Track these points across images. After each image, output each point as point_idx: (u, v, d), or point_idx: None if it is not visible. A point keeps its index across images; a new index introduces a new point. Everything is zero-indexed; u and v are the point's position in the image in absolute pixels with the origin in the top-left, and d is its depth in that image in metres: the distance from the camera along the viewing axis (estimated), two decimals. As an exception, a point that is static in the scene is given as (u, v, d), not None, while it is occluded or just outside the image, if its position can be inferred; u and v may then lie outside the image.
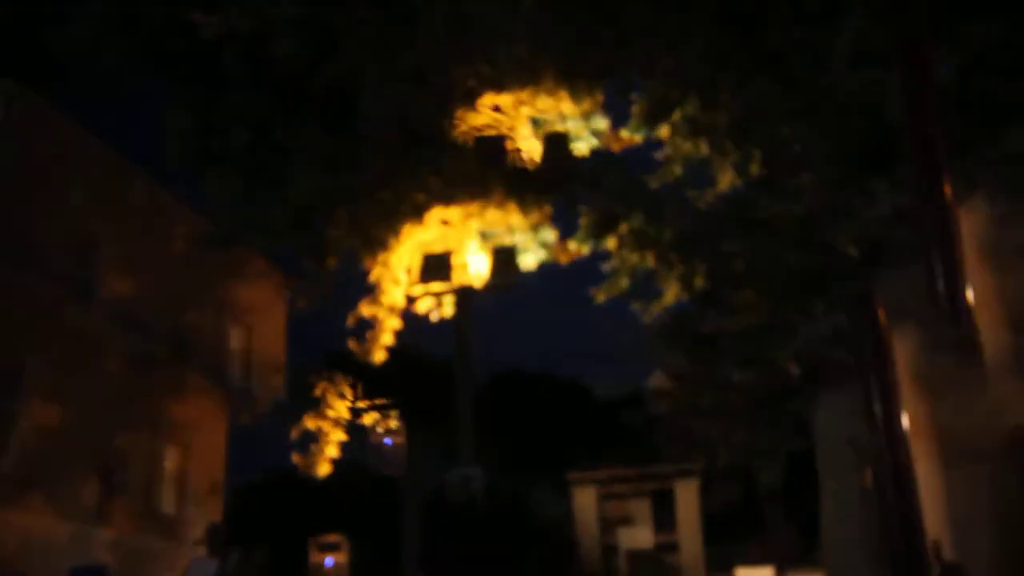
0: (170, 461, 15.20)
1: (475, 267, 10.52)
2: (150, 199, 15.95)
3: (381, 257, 10.43)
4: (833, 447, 10.01)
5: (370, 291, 10.65)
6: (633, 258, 10.24)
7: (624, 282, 10.53)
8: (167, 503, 15.06)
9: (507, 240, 10.50)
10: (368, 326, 10.64)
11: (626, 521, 24.63)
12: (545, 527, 27.31)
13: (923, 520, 8.03)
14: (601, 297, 10.70)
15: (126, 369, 14.15)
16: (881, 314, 7.67)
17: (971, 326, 5.32)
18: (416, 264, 10.50)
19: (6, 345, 11.87)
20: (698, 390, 12.12)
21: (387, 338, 10.68)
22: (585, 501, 23.89)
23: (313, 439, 10.62)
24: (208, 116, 8.51)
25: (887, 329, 7.77)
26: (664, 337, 11.78)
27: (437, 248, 10.40)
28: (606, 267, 10.50)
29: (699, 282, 9.78)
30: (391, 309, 10.61)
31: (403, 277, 10.59)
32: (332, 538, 9.57)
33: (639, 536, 23.55)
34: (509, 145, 10.29)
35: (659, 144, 10.31)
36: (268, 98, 8.32)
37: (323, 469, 10.67)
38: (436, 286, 10.44)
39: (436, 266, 10.34)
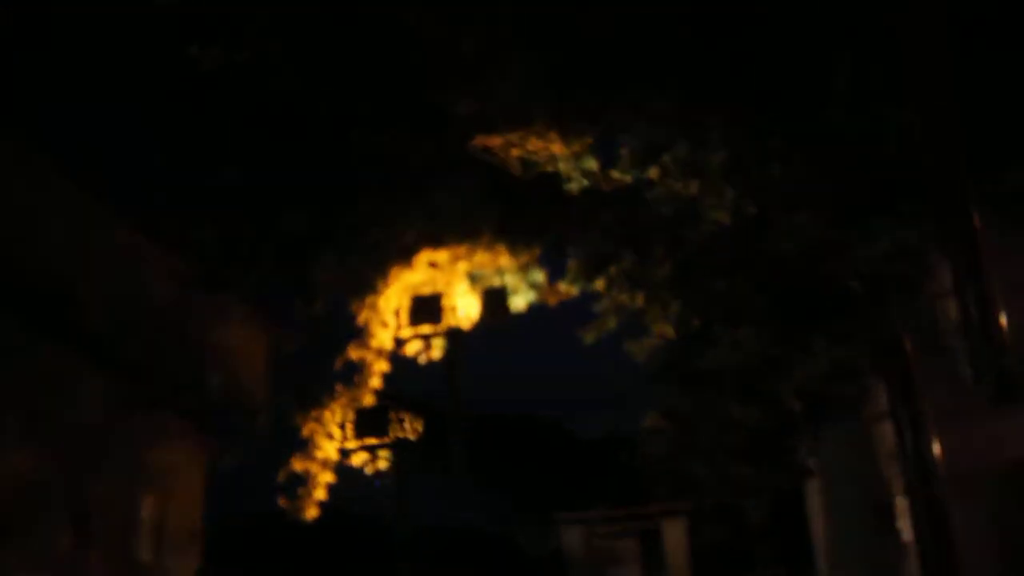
0: (146, 508, 14.90)
1: (465, 309, 10.39)
2: (127, 240, 15.70)
3: (369, 300, 10.28)
4: (834, 483, 9.89)
5: (357, 334, 10.48)
6: (623, 298, 10.16)
7: (612, 322, 10.45)
8: (144, 551, 14.78)
9: (496, 281, 10.41)
10: (355, 369, 10.46)
11: (615, 561, 24.39)
12: (532, 566, 27.00)
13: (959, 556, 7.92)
14: (590, 338, 10.59)
15: (101, 412, 13.86)
16: (908, 344, 7.60)
17: (1007, 356, 5.24)
18: (405, 306, 10.35)
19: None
20: (694, 428, 12.00)
21: (375, 381, 10.50)
22: (573, 541, 23.68)
23: (301, 482, 10.37)
24: (198, 153, 8.38)
25: (915, 359, 7.71)
26: (659, 375, 11.66)
27: (426, 291, 10.27)
28: (598, 307, 10.40)
29: (691, 322, 9.70)
30: (379, 352, 10.44)
31: (392, 320, 10.44)
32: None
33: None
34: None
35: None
36: (261, 133, 8.20)
37: (311, 513, 10.42)
38: (426, 328, 10.29)
39: (426, 308, 10.20)
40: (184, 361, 17.05)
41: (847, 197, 7.24)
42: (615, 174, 10.61)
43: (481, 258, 10.13)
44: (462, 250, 10.09)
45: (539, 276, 10.37)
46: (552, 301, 10.60)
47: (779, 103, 7.41)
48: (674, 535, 23.16)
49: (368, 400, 10.53)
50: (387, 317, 10.37)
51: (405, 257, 9.94)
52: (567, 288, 10.45)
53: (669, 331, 10.04)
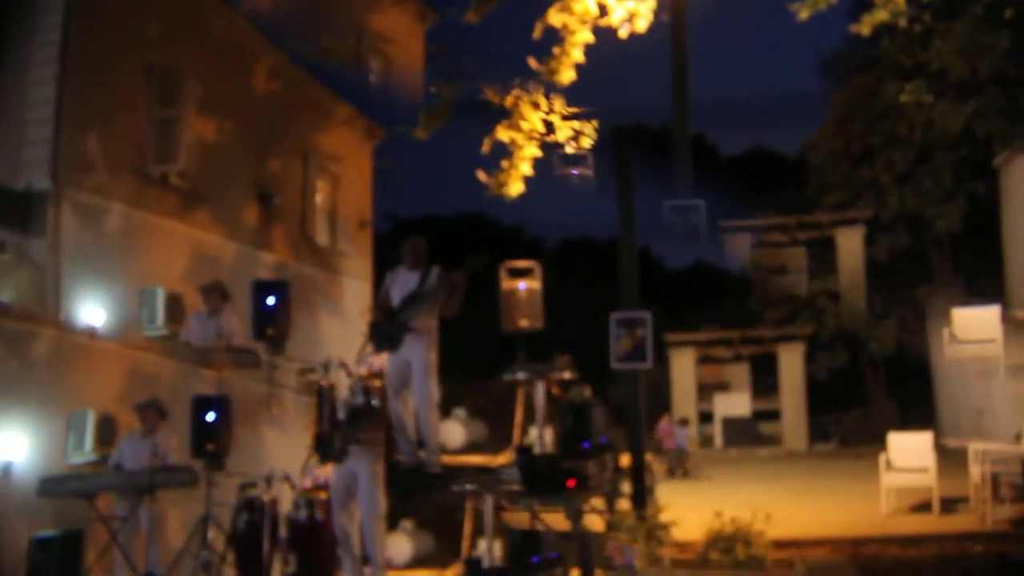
0: (321, 193, 14.86)
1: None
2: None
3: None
4: None
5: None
6: None
7: None
8: (320, 234, 14.68)
9: None
10: (555, 39, 9.48)
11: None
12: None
13: None
14: (804, 13, 9.53)
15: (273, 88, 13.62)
16: None
17: None
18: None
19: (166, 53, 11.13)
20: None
21: (577, 54, 9.54)
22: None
23: (504, 154, 9.46)
24: None
25: None
26: None
27: None
28: None
29: None
30: (582, 19, 9.41)
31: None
32: (525, 264, 8.64)
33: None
34: None
35: None
36: None
37: (515, 189, 9.61)
38: (638, -12, 9.24)
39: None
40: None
41: None
42: None
43: None
44: None
45: None
46: None
47: None
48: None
49: (567, 77, 9.60)
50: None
51: None
52: None
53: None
